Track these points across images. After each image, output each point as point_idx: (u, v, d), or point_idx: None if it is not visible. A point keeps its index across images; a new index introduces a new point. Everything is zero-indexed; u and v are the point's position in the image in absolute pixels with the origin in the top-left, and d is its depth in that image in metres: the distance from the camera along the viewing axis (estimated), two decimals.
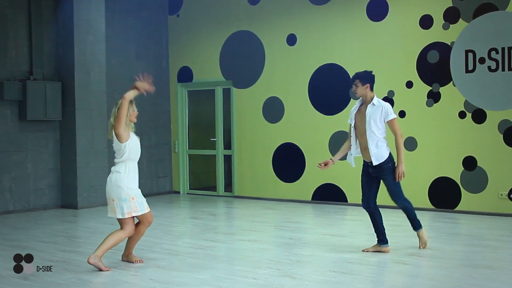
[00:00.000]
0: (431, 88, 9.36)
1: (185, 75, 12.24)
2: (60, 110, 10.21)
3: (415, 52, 9.47)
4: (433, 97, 9.35)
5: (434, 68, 9.34)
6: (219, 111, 11.94)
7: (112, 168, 6.06)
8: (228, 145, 11.85)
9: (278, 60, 10.96)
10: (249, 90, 11.34)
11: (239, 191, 11.60)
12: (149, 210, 6.09)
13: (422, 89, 9.44)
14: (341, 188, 10.31)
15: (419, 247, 6.65)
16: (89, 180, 10.34)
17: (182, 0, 12.20)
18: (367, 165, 6.53)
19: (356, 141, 6.59)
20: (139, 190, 6.10)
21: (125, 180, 5.92)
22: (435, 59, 9.32)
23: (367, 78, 6.47)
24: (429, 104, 9.39)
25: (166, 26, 12.38)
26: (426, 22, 9.37)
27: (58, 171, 10.43)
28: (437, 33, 9.28)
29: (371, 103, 6.42)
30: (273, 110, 11.03)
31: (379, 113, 6.36)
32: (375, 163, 6.38)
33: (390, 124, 6.38)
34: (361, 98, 6.56)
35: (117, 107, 5.95)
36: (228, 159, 11.90)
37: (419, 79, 9.46)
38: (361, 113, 6.52)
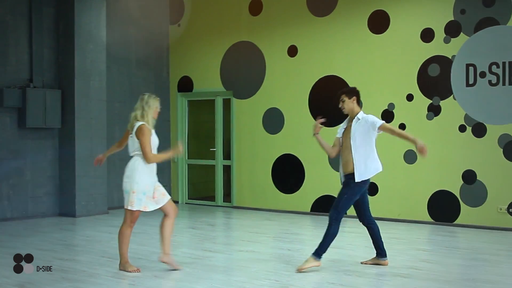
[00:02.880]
0: (431, 101, 9.36)
1: (185, 84, 12.22)
2: (60, 118, 10.19)
3: (416, 65, 9.48)
4: (434, 110, 9.34)
5: (434, 82, 9.34)
6: (219, 121, 11.91)
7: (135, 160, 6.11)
8: (227, 155, 11.81)
9: (279, 71, 10.94)
10: (249, 101, 11.32)
11: (238, 201, 11.55)
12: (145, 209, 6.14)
13: (422, 102, 9.44)
14: None
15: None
16: (88, 189, 10.31)
17: (184, 10, 12.19)
18: (344, 178, 6.39)
19: (340, 156, 6.46)
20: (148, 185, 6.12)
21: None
22: (435, 73, 9.32)
23: (352, 92, 6.39)
24: (429, 118, 9.39)
25: (167, 35, 12.37)
26: (427, 35, 9.38)
27: (57, 179, 10.39)
28: (438, 47, 9.29)
29: (356, 117, 6.30)
30: (273, 121, 11.01)
31: (365, 126, 6.20)
32: (357, 179, 6.20)
33: (383, 128, 6.15)
34: (348, 116, 6.43)
35: (144, 102, 6.09)
36: (227, 170, 11.85)
37: (420, 92, 9.45)
38: (347, 129, 6.37)
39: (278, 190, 10.96)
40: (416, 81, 9.47)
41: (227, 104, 11.77)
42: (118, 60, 11.37)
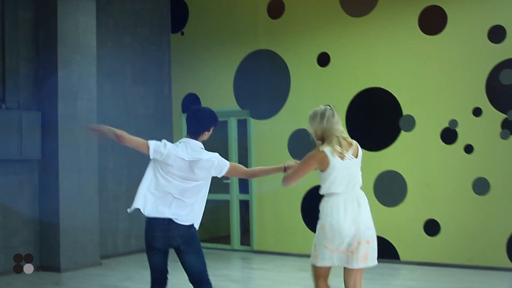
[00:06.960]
0: (506, 116, 8.27)
1: (191, 103, 11.16)
2: (40, 146, 9.15)
3: (483, 72, 8.43)
4: (509, 127, 8.24)
5: (509, 91, 8.27)
6: (233, 147, 10.76)
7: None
8: (245, 188, 10.64)
9: (307, 84, 9.93)
10: (270, 122, 10.23)
11: (259, 244, 10.27)
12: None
13: (494, 117, 8.36)
14: (391, 242, 8.82)
15: None
16: (75, 235, 9.12)
17: (188, 16, 11.34)
18: None
19: None
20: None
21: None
22: (510, 80, 8.22)
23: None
24: (504, 136, 8.24)
25: (168, 45, 11.61)
26: (497, 34, 8.36)
27: (37, 224, 9.25)
28: (511, 48, 8.20)
29: None
30: (302, 145, 9.60)
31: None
32: None
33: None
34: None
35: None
36: (245, 205, 10.69)
37: (490, 105, 8.39)
38: None
39: (310, 230, 9.47)
40: (484, 92, 8.38)
41: (242, 126, 10.72)
42: (111, 74, 10.51)
